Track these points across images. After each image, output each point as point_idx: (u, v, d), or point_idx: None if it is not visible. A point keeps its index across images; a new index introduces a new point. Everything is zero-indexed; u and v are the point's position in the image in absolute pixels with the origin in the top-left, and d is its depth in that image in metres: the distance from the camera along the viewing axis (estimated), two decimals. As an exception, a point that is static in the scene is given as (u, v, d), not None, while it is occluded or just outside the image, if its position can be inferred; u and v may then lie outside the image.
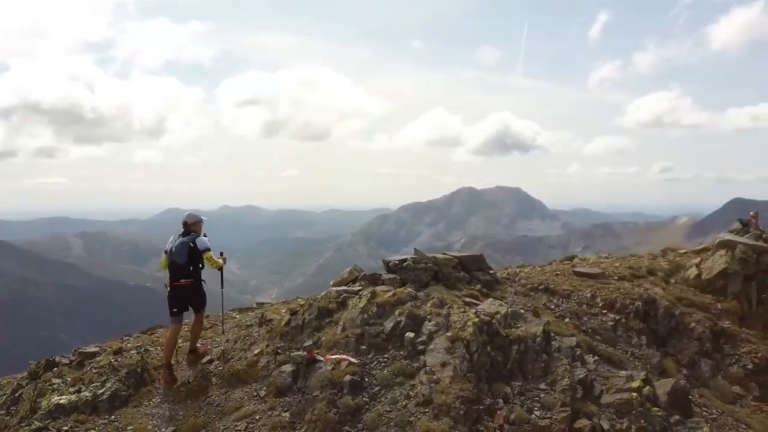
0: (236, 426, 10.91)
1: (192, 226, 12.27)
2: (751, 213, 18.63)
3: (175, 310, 12.22)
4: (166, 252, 12.03)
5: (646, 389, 10.40)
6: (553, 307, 15.11)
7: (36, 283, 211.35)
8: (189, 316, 13.26)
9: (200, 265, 11.96)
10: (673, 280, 17.62)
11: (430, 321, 12.02)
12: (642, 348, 14.45)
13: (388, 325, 12.06)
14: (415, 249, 15.21)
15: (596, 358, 12.92)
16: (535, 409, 10.31)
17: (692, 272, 17.62)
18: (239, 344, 13.79)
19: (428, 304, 12.63)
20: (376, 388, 10.91)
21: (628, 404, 10.15)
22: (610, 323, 14.89)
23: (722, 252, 17.41)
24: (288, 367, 11.77)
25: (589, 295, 15.81)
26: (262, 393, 11.78)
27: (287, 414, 10.92)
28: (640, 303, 15.26)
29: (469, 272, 15.32)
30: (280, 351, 12.52)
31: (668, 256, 19.68)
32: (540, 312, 14.22)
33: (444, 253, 15.58)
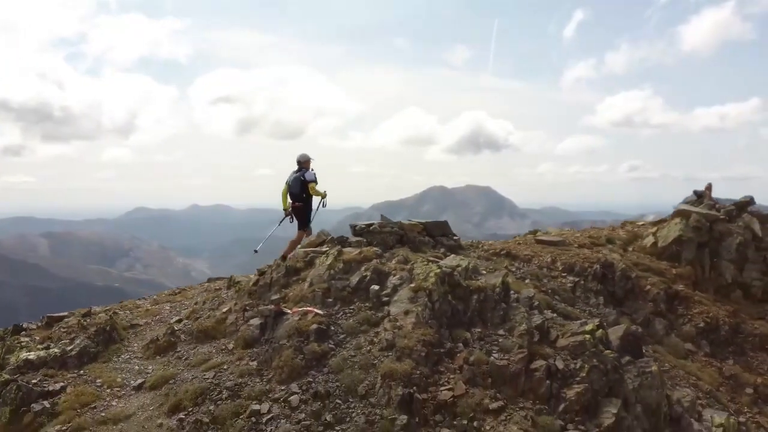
0: (204, 375, 11.14)
1: (303, 164, 14.51)
2: (706, 185, 19.39)
3: (293, 222, 14.67)
4: (287, 183, 14.60)
5: (599, 333, 10.90)
6: (514, 269, 15.60)
7: (0, 285, 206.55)
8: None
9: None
10: (630, 248, 18.30)
11: (394, 275, 12.40)
12: (599, 307, 15.03)
13: (354, 279, 12.41)
14: (381, 215, 15.55)
15: (555, 314, 13.46)
16: (494, 351, 10.74)
17: (649, 240, 18.31)
18: (208, 304, 14.01)
19: (393, 261, 13.01)
20: (342, 336, 11.25)
21: (582, 346, 10.63)
22: (569, 285, 15.45)
23: (677, 220, 18.13)
24: (256, 321, 12.04)
25: (549, 259, 16.36)
26: (231, 346, 12.03)
27: (255, 363, 11.20)
28: (598, 266, 15.85)
29: (433, 237, 15.71)
30: (248, 308, 12.78)
31: (627, 227, 20.38)
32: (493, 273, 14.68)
33: (410, 220, 15.97)
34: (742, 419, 12.98)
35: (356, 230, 14.83)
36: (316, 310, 11.68)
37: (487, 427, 9.52)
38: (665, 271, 17.17)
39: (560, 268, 16.04)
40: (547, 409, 9.96)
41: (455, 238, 16.32)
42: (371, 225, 14.78)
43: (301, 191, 14.32)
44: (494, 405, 9.80)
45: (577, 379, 10.28)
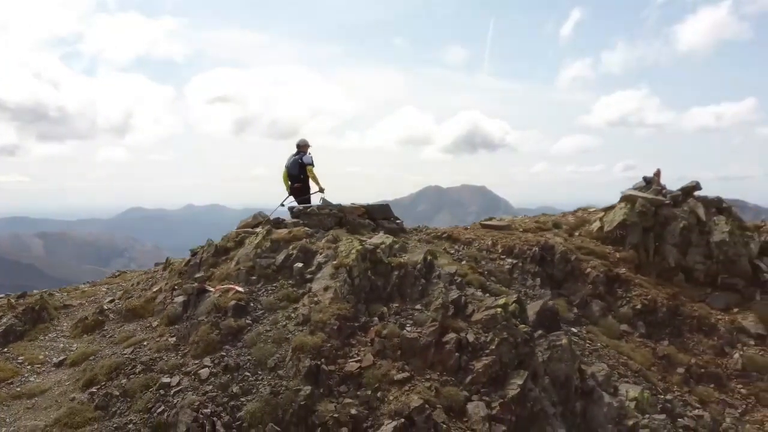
0: (123, 351, 11.23)
1: (302, 148, 15.69)
2: (655, 170, 19.48)
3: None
4: (285, 166, 15.77)
5: (512, 307, 10.99)
6: (453, 252, 15.69)
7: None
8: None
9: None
10: (577, 233, 18.40)
11: (321, 254, 12.50)
12: (536, 289, 15.14)
13: (280, 257, 12.51)
14: (322, 198, 15.60)
15: (487, 294, 13.58)
16: (408, 325, 10.85)
17: (596, 225, 18.41)
18: (141, 285, 14.08)
19: (323, 241, 13.09)
20: (260, 312, 11.35)
21: (494, 319, 10.73)
22: (507, 266, 15.55)
23: (622, 205, 18.25)
24: (180, 299, 12.13)
25: (490, 242, 16.47)
26: (155, 324, 12.11)
27: (174, 338, 11.29)
28: (537, 249, 15.94)
29: (375, 220, 15.79)
30: (176, 287, 12.85)
31: (578, 213, 20.47)
32: (437, 254, 14.77)
33: (353, 204, 16.06)
34: (669, 396, 13.11)
35: (294, 212, 14.91)
36: (237, 288, 11.76)
37: (391, 397, 9.62)
38: (609, 254, 17.28)
39: (500, 251, 16.14)
40: (453, 380, 10.07)
41: (398, 221, 16.41)
42: (308, 207, 14.86)
43: (299, 173, 15.52)
44: (400, 376, 9.90)
45: (487, 351, 10.39)
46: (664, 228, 17.79)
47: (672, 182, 19.37)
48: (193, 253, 13.90)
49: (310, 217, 14.65)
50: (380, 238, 12.85)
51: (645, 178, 19.52)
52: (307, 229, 13.52)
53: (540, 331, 11.17)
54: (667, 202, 18.07)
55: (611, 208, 19.23)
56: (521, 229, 17.95)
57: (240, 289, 11.72)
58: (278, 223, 14.45)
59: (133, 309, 12.74)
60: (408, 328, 10.73)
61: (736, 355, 15.02)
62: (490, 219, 21.00)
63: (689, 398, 13.61)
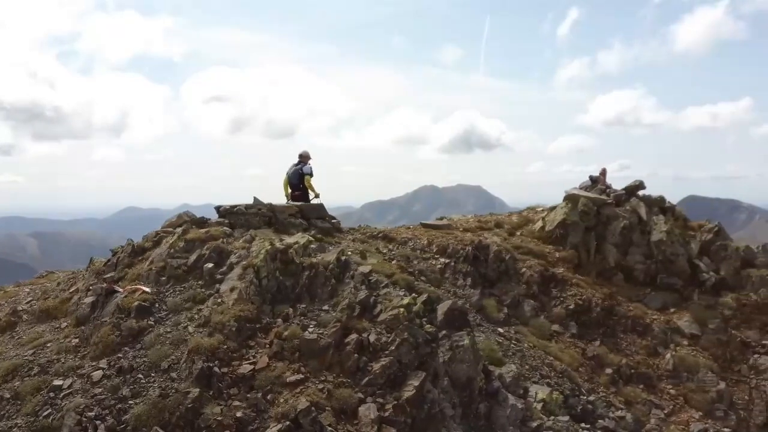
0: (25, 353, 11.06)
1: (303, 158, 16.51)
2: (601, 170, 19.35)
3: None
4: (287, 174, 16.55)
5: (417, 306, 10.85)
6: (386, 251, 15.54)
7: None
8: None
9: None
10: (519, 233, 18.27)
11: (235, 254, 12.35)
12: (466, 288, 15.01)
13: (192, 258, 12.36)
14: (254, 197, 15.45)
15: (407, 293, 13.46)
16: (310, 326, 10.70)
17: (538, 225, 18.30)
18: (62, 285, 13.91)
19: (240, 241, 12.94)
20: (164, 313, 11.20)
21: (396, 319, 10.58)
22: (439, 266, 15.41)
23: (563, 204, 18.13)
24: (89, 299, 11.97)
25: (425, 242, 16.34)
26: (64, 325, 11.95)
27: (77, 340, 11.14)
28: (470, 248, 15.80)
29: (308, 219, 15.63)
30: (91, 287, 12.69)
31: (524, 213, 20.36)
32: (367, 254, 14.61)
33: (288, 202, 15.93)
34: (592, 398, 12.99)
35: (220, 212, 14.75)
36: (144, 288, 11.61)
37: (281, 400, 9.48)
38: (548, 254, 17.17)
39: (434, 250, 16.01)
40: (349, 382, 9.91)
41: (333, 221, 16.25)
42: (236, 207, 14.71)
43: (299, 181, 16.43)
44: (293, 378, 9.77)
45: (386, 352, 10.24)
46: (606, 227, 17.70)
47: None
48: (114, 253, 13.74)
49: (236, 216, 14.50)
50: (296, 238, 12.71)
51: (591, 177, 19.42)
52: (226, 228, 13.39)
53: (444, 332, 11.02)
54: (609, 201, 17.97)
55: (555, 207, 19.11)
56: (461, 229, 17.83)
57: (147, 289, 11.57)
58: (201, 222, 14.30)
59: (46, 310, 12.59)
60: (310, 330, 10.58)
61: (668, 356, 14.96)
62: (442, 219, 20.91)
63: (614, 399, 13.52)
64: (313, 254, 12.49)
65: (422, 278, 14.85)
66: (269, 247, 11.79)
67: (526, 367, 13.02)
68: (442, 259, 15.71)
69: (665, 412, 13.78)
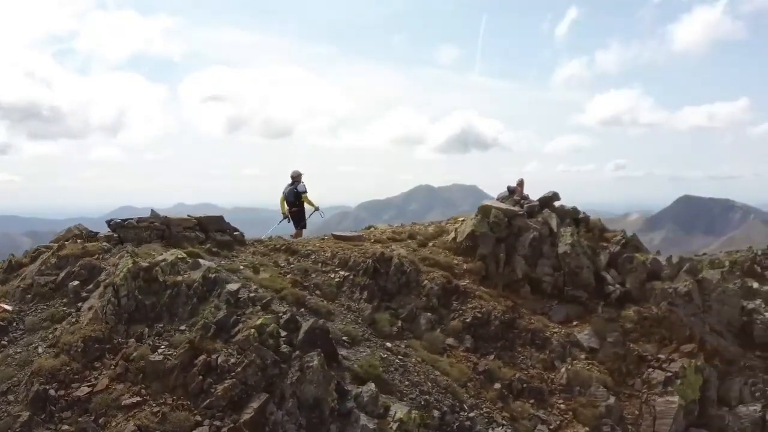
0: None
1: (296, 178, 19.13)
2: (518, 180, 19.31)
3: (290, 223, 19.50)
4: (283, 194, 19.26)
5: (271, 327, 10.79)
6: (284, 264, 15.45)
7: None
8: None
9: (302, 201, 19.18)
10: (432, 244, 18.18)
11: (106, 271, 12.27)
12: (360, 302, 14.90)
13: (62, 275, 12.27)
14: (151, 209, 15.37)
15: (303, 309, 13.42)
16: (161, 347, 10.63)
17: (451, 236, 18.22)
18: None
19: (116, 257, 12.86)
20: (20, 333, 11.13)
21: (247, 341, 10.52)
22: (338, 279, 15.32)
23: (473, 215, 18.06)
24: (-48, 318, 11.86)
25: (329, 254, 16.23)
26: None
27: (-70, 360, 11.04)
28: (371, 261, 15.71)
29: (207, 232, 15.55)
30: (-37, 304, 12.59)
31: (441, 223, 20.27)
32: (261, 268, 14.55)
33: (189, 215, 15.85)
34: (473, 414, 12.92)
35: (111, 225, 14.66)
36: (5, 306, 11.54)
37: (113, 423, 9.43)
38: (456, 266, 17.08)
39: (336, 263, 15.91)
40: (189, 404, 9.86)
41: (236, 233, 16.18)
42: (127, 220, 14.63)
43: (295, 199, 19.02)
44: (130, 401, 9.73)
45: (233, 374, 10.18)
46: (518, 239, 17.62)
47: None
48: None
49: (127, 230, 14.40)
50: (166, 255, 12.61)
51: (509, 188, 19.37)
52: (104, 244, 13.31)
53: (298, 352, 10.93)
54: (521, 212, 17.90)
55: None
56: (372, 240, 17.74)
57: (8, 307, 11.51)
58: (90, 237, 14.21)
59: None
60: (160, 350, 10.52)
61: (563, 369, 14.87)
62: (370, 228, 20.84)
63: (498, 415, 13.42)
64: (183, 272, 12.38)
65: (317, 292, 14.77)
66: (131, 264, 11.69)
67: (406, 383, 12.95)
68: (342, 272, 15.60)
69: (551, 427, 13.69)
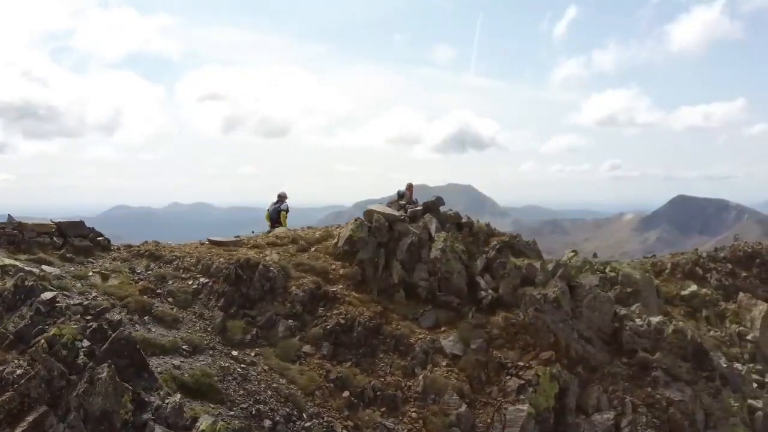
0: None
1: (282, 198, 22.34)
2: (407, 184, 19.10)
3: None
4: (268, 211, 22.42)
5: (65, 338, 10.52)
6: (141, 270, 15.21)
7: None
8: None
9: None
10: (313, 249, 17.93)
11: (-76, 280, 12.01)
12: (215, 310, 14.67)
13: None
14: (9, 215, 15.14)
15: (148, 318, 13.22)
16: (-49, 358, 10.36)
17: (333, 240, 17.99)
18: None
19: (-57, 265, 12.60)
20: None
21: (36, 351, 10.29)
22: (195, 286, 15.09)
23: (353, 220, 17.84)
24: None
25: (194, 260, 16.00)
26: None
27: None
28: (233, 268, 15.47)
29: (66, 238, 15.32)
30: None
31: (330, 228, 20.00)
32: (110, 275, 14.33)
33: (51, 221, 15.62)
34: (309, 423, 12.71)
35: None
36: None
37: None
38: (333, 271, 16.86)
39: (198, 269, 15.68)
40: (-38, 419, 9.61)
41: (99, 238, 15.95)
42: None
43: (277, 216, 22.12)
44: None
45: (16, 386, 9.93)
46: (398, 244, 17.40)
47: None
48: None
49: (-29, 236, 14.17)
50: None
51: (399, 192, 19.17)
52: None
53: (91, 364, 10.67)
54: (402, 217, 17.68)
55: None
56: (249, 245, 17.51)
57: None
58: (-67, 243, 13.97)
59: None
60: (-52, 361, 10.26)
61: (420, 377, 14.64)
62: (259, 234, 20.58)
63: (339, 424, 13.20)
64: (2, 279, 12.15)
65: (169, 299, 14.56)
66: (-66, 274, 11.44)
67: (241, 392, 12.72)
68: (202, 279, 15.36)
69: (396, 436, 13.50)
